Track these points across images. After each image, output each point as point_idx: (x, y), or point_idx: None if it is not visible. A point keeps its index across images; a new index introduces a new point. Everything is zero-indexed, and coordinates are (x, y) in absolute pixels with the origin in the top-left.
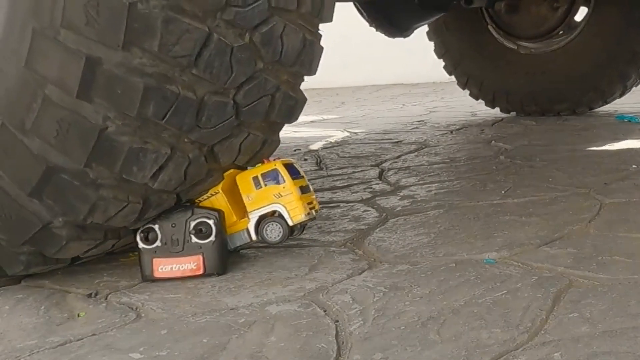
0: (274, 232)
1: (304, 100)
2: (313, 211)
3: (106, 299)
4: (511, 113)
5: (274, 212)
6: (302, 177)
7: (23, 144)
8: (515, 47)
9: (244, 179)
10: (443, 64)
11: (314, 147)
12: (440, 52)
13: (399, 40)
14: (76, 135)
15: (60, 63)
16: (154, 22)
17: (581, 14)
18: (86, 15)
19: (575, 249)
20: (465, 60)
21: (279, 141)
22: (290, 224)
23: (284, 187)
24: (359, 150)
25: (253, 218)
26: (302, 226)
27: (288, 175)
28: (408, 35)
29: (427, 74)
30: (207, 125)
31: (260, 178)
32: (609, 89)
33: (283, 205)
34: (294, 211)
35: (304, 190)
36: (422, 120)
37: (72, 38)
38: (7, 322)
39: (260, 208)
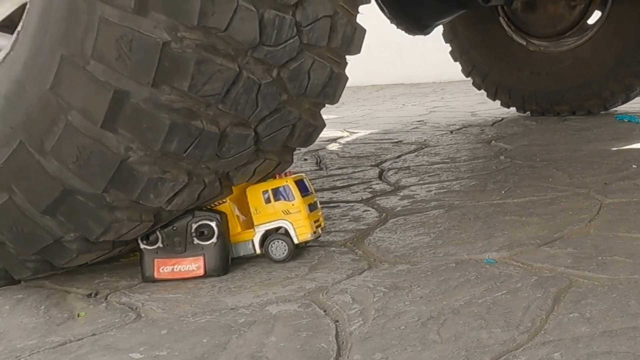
0: (279, 250)
1: (323, 125)
2: (319, 229)
3: (106, 299)
4: (511, 109)
5: (280, 227)
6: (312, 193)
7: (40, 165)
8: (525, 44)
9: (254, 192)
10: (447, 58)
11: (314, 147)
12: (448, 38)
13: (399, 40)
14: (97, 163)
15: (87, 92)
16: (187, 63)
17: (595, 17)
18: (118, 50)
19: (575, 249)
20: (473, 50)
21: (291, 161)
22: (296, 242)
23: (293, 205)
24: (359, 150)
25: (259, 232)
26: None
27: (298, 193)
28: (428, 33)
29: (427, 74)
30: (226, 155)
31: (270, 193)
32: (611, 98)
33: (290, 223)
34: (301, 229)
35: (312, 207)
36: (422, 120)
37: (101, 70)
38: (7, 322)
39: (267, 222)
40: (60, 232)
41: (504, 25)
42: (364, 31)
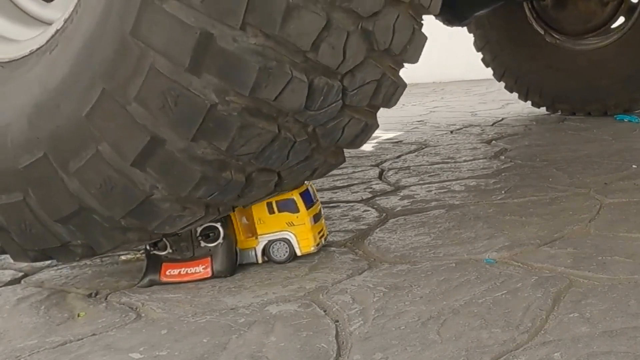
0: (280, 252)
1: (343, 161)
2: (322, 239)
3: (106, 299)
4: (541, 108)
5: (283, 239)
6: (316, 201)
7: (61, 180)
8: (556, 42)
9: (259, 203)
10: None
11: None
12: (480, 45)
13: None
14: (119, 195)
15: (122, 129)
16: (230, 126)
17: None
18: (163, 101)
19: (575, 249)
20: (504, 53)
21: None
22: (298, 254)
23: (297, 217)
24: (359, 149)
25: (262, 242)
26: None
27: (303, 206)
28: (466, 25)
29: (427, 74)
30: (247, 195)
31: (274, 205)
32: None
33: (294, 234)
34: (304, 242)
35: (316, 218)
36: (422, 120)
37: (141, 113)
38: (7, 322)
39: (270, 233)
40: (69, 239)
41: (533, 23)
42: (405, 86)
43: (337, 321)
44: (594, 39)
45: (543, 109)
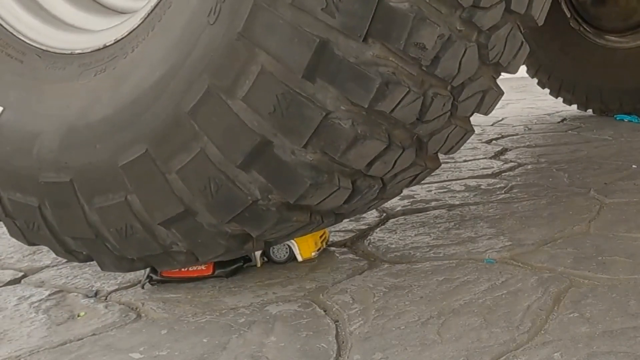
0: (280, 252)
1: (438, 166)
2: (324, 243)
3: (106, 299)
4: (588, 111)
5: (283, 244)
6: None
7: (164, 179)
8: (593, 39)
9: None
10: None
11: None
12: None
13: None
14: (224, 197)
15: (228, 130)
16: (344, 136)
17: None
18: (274, 105)
19: (575, 249)
20: (540, 50)
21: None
22: (299, 259)
23: None
24: None
25: None
26: None
27: None
28: None
29: None
30: (350, 202)
31: None
32: None
33: (294, 241)
34: (304, 249)
35: None
36: None
37: (249, 114)
38: (7, 322)
39: None
40: (170, 243)
41: (570, 19)
42: (502, 94)
43: (337, 321)
44: (633, 36)
45: (541, 110)
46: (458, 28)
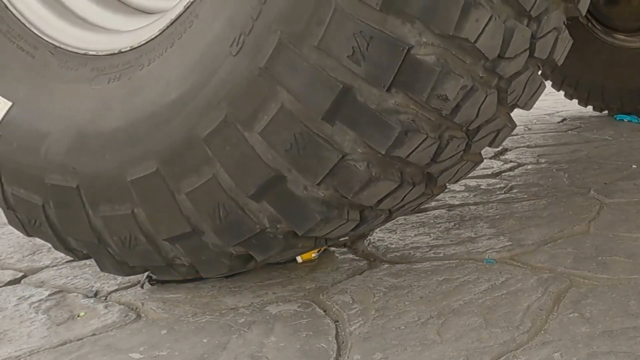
0: None
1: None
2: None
3: (106, 299)
4: (603, 112)
5: None
6: None
7: (172, 197)
8: (606, 39)
9: None
10: None
11: None
12: None
13: None
14: (234, 225)
15: (240, 159)
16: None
17: None
18: (291, 142)
19: (575, 249)
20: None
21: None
22: (299, 261)
23: None
24: None
25: None
26: None
27: None
28: None
29: None
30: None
31: None
32: None
33: None
34: None
35: None
36: None
37: (263, 148)
38: (7, 322)
39: None
40: (173, 257)
41: (589, 25)
42: (515, 127)
43: (337, 321)
44: None
45: (541, 110)
46: (480, 75)
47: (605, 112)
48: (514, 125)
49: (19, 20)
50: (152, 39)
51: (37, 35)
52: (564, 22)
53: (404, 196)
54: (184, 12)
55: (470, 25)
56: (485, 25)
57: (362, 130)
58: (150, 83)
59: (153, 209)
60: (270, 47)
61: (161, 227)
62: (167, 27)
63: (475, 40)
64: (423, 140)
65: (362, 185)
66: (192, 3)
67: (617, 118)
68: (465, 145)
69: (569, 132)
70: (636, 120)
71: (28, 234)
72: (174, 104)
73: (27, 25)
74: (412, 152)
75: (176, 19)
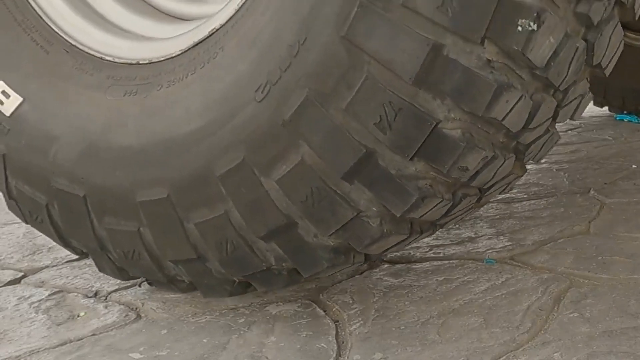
0: None
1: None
2: None
3: (106, 299)
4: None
5: None
6: None
7: (183, 226)
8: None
9: None
10: None
11: None
12: None
13: None
14: (238, 258)
15: (254, 203)
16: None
17: None
18: (307, 194)
19: (575, 249)
20: None
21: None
22: None
23: None
24: None
25: None
26: None
27: None
28: None
29: None
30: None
31: None
32: None
33: None
34: None
35: None
36: None
37: (278, 196)
38: (7, 322)
39: None
40: (175, 274)
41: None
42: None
43: (337, 321)
44: None
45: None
46: (501, 140)
47: (606, 107)
48: (525, 172)
49: (34, 10)
50: (172, 58)
51: (53, 30)
52: (588, 88)
53: (410, 242)
54: (207, 37)
55: (501, 107)
56: (515, 104)
57: (379, 192)
58: (168, 107)
59: (160, 232)
60: (296, 101)
61: (167, 250)
62: (189, 49)
63: (503, 119)
64: (438, 203)
65: (373, 239)
66: (216, 31)
67: (617, 118)
68: (476, 200)
69: (569, 132)
70: (636, 120)
71: (26, 223)
72: (192, 135)
73: (43, 17)
74: (426, 213)
75: (199, 43)
